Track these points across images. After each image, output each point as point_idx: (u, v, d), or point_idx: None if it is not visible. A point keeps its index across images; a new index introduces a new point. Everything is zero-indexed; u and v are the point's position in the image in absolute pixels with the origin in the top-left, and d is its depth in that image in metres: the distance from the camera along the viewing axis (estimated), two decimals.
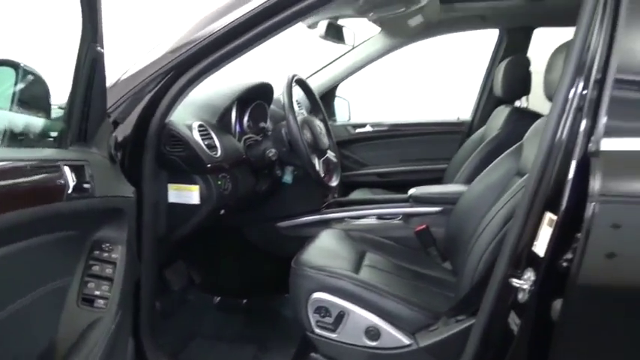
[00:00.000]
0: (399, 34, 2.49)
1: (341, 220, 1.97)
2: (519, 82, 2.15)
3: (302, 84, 1.72)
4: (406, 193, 2.63)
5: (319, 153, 1.63)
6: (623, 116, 0.90)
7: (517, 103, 2.32)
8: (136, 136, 1.22)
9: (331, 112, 2.94)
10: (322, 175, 1.58)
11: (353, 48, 2.64)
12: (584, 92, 0.90)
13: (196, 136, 1.33)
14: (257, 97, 1.73)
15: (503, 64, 2.17)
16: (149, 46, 1.25)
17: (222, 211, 1.46)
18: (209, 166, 1.33)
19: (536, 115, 1.97)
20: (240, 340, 1.77)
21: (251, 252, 2.02)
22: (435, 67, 3.70)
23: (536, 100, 2.35)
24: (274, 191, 1.86)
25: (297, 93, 1.94)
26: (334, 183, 1.70)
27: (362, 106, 2.99)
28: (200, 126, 1.37)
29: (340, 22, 2.23)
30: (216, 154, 1.38)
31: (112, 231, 0.97)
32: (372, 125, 2.84)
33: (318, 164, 1.59)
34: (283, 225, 1.97)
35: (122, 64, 1.25)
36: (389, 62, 2.75)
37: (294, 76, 1.59)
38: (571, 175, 0.91)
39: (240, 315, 1.99)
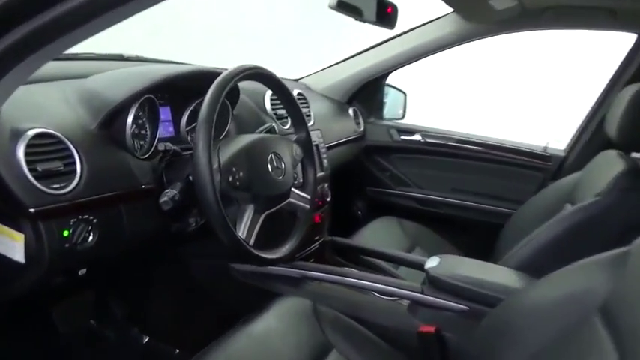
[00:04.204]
0: (481, 19, 1.72)
1: (320, 281, 1.36)
2: None
3: (266, 80, 1.06)
4: (451, 233, 1.98)
5: (262, 203, 1.00)
6: None
7: None
8: None
9: (377, 105, 2.26)
10: (250, 241, 0.95)
11: (413, 28, 1.92)
12: None
13: (20, 155, 0.77)
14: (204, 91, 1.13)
15: (629, 91, 1.36)
16: None
17: (83, 271, 0.92)
18: (33, 211, 0.77)
19: None
20: None
21: (195, 292, 1.49)
22: (533, 68, 2.80)
23: None
24: None
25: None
26: (277, 254, 1.05)
27: (414, 107, 2.26)
28: (40, 136, 0.80)
29: None
30: (64, 186, 0.82)
31: None
32: (424, 134, 2.12)
33: (245, 223, 0.97)
34: (239, 268, 1.41)
35: None
36: (464, 53, 1.99)
37: (243, 70, 0.94)
38: None
39: None
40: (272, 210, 1.02)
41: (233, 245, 0.89)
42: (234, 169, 0.92)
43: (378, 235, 1.84)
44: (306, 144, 1.16)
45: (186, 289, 1.49)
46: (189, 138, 1.16)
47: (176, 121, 1.14)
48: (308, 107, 1.62)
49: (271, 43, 2.98)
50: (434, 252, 1.78)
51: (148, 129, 1.06)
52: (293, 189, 1.10)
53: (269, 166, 1.00)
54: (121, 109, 0.94)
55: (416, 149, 2.14)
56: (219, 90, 0.89)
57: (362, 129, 2.15)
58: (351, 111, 2.11)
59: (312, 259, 1.49)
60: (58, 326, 1.26)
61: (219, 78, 0.91)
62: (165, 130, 1.12)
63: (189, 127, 1.16)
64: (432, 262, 1.31)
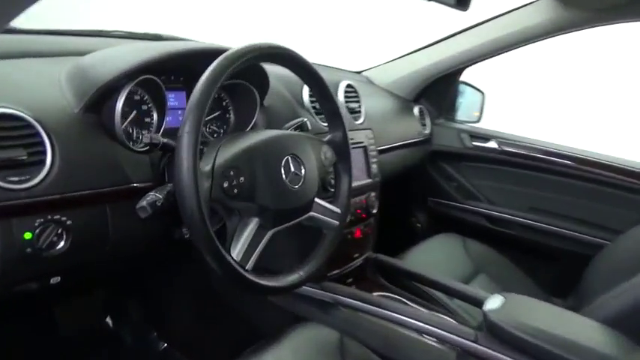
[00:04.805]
0: (584, 4, 1.39)
1: (353, 309, 1.15)
2: None
3: (290, 63, 0.85)
4: (525, 261, 1.68)
5: (271, 217, 0.79)
6: None
7: None
8: None
9: (449, 105, 1.98)
10: (248, 263, 0.74)
11: (497, 16, 1.62)
12: None
13: None
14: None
15: None
16: None
17: (57, 279, 0.78)
18: None
19: None
20: None
21: (216, 302, 1.34)
22: None
23: None
24: None
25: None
26: (284, 282, 0.81)
27: (491, 108, 1.95)
28: (0, 117, 0.66)
29: None
30: (27, 179, 0.67)
31: None
32: (502, 142, 1.81)
33: (243, 241, 0.75)
34: None
35: None
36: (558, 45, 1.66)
37: (255, 49, 0.74)
38: None
39: None
40: (284, 226, 0.82)
41: (219, 268, 0.70)
42: (231, 173, 0.73)
43: (437, 253, 1.59)
44: (341, 145, 0.95)
45: (207, 297, 1.34)
46: (205, 130, 0.99)
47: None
48: (358, 102, 1.39)
49: (339, 33, 2.78)
50: (500, 282, 1.51)
51: (155, 117, 0.90)
52: (317, 200, 0.89)
53: (282, 171, 0.80)
54: (110, 90, 0.78)
55: (490, 158, 1.84)
56: (218, 72, 0.70)
57: (428, 131, 1.89)
58: (416, 110, 1.86)
59: (349, 280, 1.28)
60: (59, 327, 1.16)
61: (221, 57, 0.72)
62: (177, 119, 0.96)
63: (205, 119, 0.99)
64: (492, 303, 1.05)
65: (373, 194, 1.31)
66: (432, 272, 1.31)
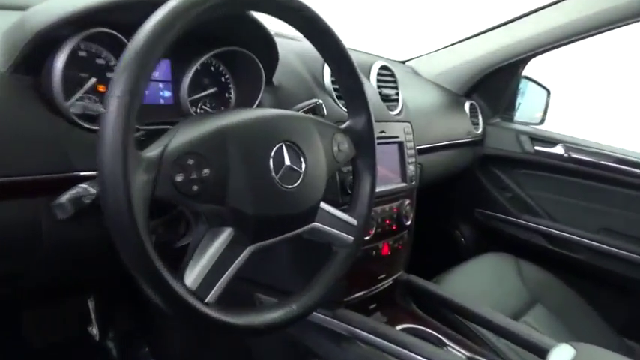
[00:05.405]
0: None
1: (373, 346, 0.91)
2: None
3: (293, 19, 0.60)
4: (594, 292, 1.39)
5: (251, 226, 0.56)
6: None
7: None
8: None
9: (507, 102, 1.71)
10: (210, 293, 0.51)
11: None
12: None
13: None
14: (224, 38, 0.73)
15: None
16: None
17: None
18: None
19: None
20: None
21: None
22: None
23: None
24: None
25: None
26: (264, 318, 0.56)
27: (561, 106, 1.66)
28: None
29: None
30: None
31: None
32: (569, 147, 1.51)
33: (206, 261, 0.51)
34: (265, 301, 1.02)
35: None
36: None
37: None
38: None
39: None
40: (272, 240, 0.60)
41: (162, 299, 0.49)
42: (189, 162, 0.51)
43: (484, 275, 1.34)
44: (362, 135, 0.71)
45: None
46: (192, 110, 0.79)
47: (177, 83, 0.77)
48: (395, 89, 1.15)
49: (380, 15, 2.54)
50: (561, 316, 1.24)
51: None
52: (324, 206, 0.66)
53: (271, 164, 0.58)
54: (48, 44, 0.59)
55: (555, 166, 1.55)
56: (175, 13, 0.48)
57: (480, 131, 1.62)
58: (467, 106, 1.60)
59: (373, 305, 1.04)
60: (29, 338, 0.98)
61: (165, 10, 0.50)
62: (157, 94, 0.76)
63: (195, 96, 0.79)
64: (559, 355, 0.79)
65: (408, 202, 1.06)
66: (477, 301, 1.06)
